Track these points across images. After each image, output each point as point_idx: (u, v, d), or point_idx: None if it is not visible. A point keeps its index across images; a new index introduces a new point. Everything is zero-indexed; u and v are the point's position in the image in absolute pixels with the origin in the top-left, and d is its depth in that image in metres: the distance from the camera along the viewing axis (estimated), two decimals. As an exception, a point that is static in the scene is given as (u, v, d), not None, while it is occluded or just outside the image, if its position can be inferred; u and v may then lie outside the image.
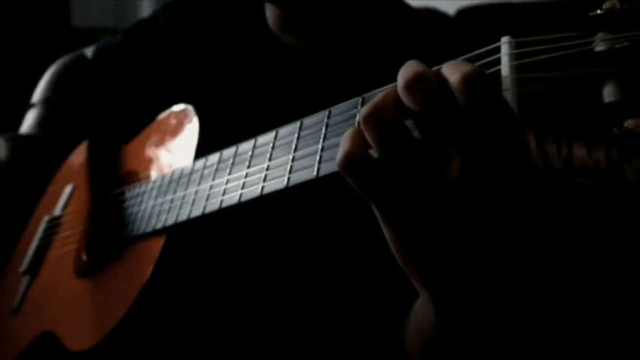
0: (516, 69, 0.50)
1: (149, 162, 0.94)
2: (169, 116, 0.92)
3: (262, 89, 0.86)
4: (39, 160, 0.89)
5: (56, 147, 0.92)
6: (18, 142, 0.87)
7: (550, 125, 0.49)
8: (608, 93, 0.46)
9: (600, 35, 0.47)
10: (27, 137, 0.90)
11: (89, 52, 1.09)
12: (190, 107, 0.87)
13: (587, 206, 0.85)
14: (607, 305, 0.89)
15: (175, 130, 0.89)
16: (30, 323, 1.01)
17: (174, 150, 0.88)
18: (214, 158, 0.78)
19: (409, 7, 0.90)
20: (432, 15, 0.93)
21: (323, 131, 0.62)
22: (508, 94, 0.50)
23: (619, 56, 0.46)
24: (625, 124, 0.46)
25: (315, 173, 0.61)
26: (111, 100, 1.02)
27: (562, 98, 0.47)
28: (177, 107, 0.90)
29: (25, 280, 1.06)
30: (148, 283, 0.80)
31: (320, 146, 0.62)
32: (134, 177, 0.95)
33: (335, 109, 0.62)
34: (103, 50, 1.06)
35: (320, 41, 0.85)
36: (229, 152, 0.76)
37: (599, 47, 0.47)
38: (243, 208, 0.71)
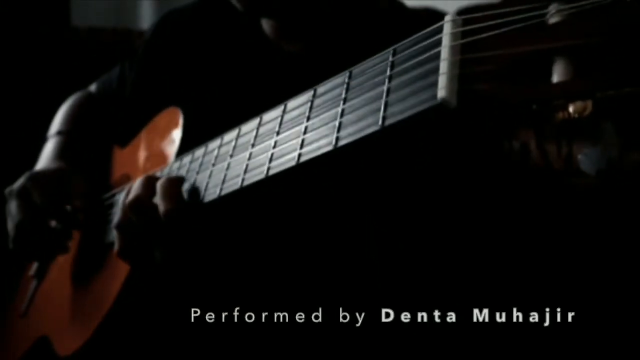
0: (460, 49, 0.46)
1: (140, 163, 0.94)
2: (159, 119, 0.92)
3: (259, 94, 0.86)
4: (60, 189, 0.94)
5: (73, 174, 0.96)
6: (41, 180, 0.93)
7: (496, 111, 0.44)
8: (558, 72, 0.42)
9: (554, 6, 0.43)
10: (47, 172, 0.95)
11: (93, 87, 1.16)
12: (177, 109, 0.87)
13: (587, 206, 0.85)
14: (607, 305, 0.89)
15: (162, 133, 0.89)
16: (32, 327, 1.02)
17: (160, 152, 0.88)
18: (187, 158, 0.78)
19: (407, 8, 0.90)
20: (432, 15, 0.93)
21: (307, 113, 0.61)
22: (444, 79, 0.45)
23: (570, 28, 0.41)
24: (571, 108, 0.41)
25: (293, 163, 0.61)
26: (117, 123, 1.07)
27: (512, 78, 0.43)
28: (166, 110, 0.90)
29: (33, 284, 1.06)
30: (124, 287, 0.80)
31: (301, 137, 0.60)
32: (128, 179, 0.95)
33: (320, 87, 0.61)
34: (104, 85, 1.13)
35: (317, 48, 0.85)
36: (200, 151, 0.75)
37: (553, 19, 0.42)
38: (210, 210, 0.71)
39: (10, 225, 0.91)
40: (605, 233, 0.89)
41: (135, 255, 0.74)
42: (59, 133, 1.07)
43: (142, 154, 0.95)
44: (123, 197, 0.75)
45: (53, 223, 0.92)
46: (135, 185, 0.73)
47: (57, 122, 1.11)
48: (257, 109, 0.71)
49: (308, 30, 0.85)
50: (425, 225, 0.80)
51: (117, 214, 0.75)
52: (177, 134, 0.84)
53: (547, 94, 0.42)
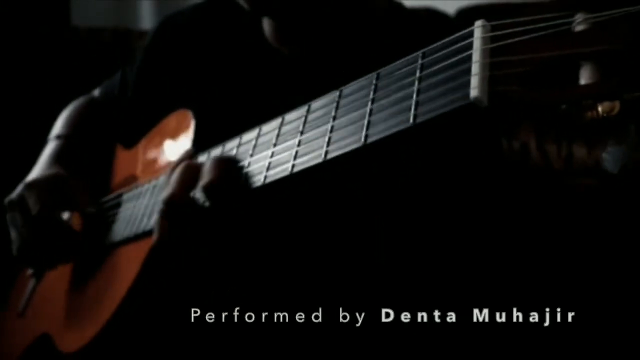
0: (490, 53, 0.48)
1: (147, 165, 0.94)
2: (168, 120, 0.92)
3: (261, 97, 0.86)
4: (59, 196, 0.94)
5: (69, 178, 0.95)
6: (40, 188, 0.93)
7: (526, 111, 0.46)
8: (585, 75, 0.44)
9: (579, 15, 0.45)
10: (43, 180, 0.95)
11: (96, 92, 1.16)
12: (187, 111, 0.87)
13: (587, 206, 0.85)
14: (607, 305, 0.89)
15: (172, 134, 0.90)
16: (31, 325, 1.02)
17: (170, 154, 0.89)
18: (202, 157, 0.77)
19: (406, 9, 0.90)
20: (432, 15, 0.93)
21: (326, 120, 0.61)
22: (476, 79, 0.47)
23: (597, 35, 0.44)
24: (600, 108, 0.43)
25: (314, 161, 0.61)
26: (119, 127, 1.07)
27: (539, 81, 0.45)
28: (176, 112, 0.91)
29: (31, 283, 1.06)
30: (134, 285, 0.80)
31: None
32: (134, 180, 0.96)
33: (346, 88, 0.62)
34: (106, 90, 1.13)
35: (316, 50, 0.85)
36: (216, 150, 0.75)
37: (578, 27, 0.45)
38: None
39: (13, 235, 0.92)
40: (605, 233, 0.89)
41: (173, 241, 0.73)
42: (59, 137, 1.08)
43: (149, 155, 0.95)
44: (180, 171, 0.71)
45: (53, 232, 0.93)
46: (174, 178, 0.71)
47: (57, 125, 1.12)
48: (259, 111, 0.71)
49: (307, 32, 0.85)
50: (425, 225, 0.80)
51: (168, 188, 0.71)
52: (188, 136, 0.85)
53: (575, 95, 0.44)
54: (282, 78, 0.86)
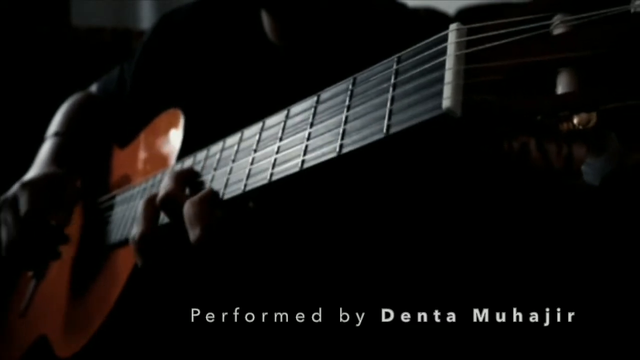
0: (465, 59, 0.45)
1: (140, 165, 0.94)
2: (159, 120, 0.92)
3: (259, 95, 0.86)
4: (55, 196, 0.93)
5: (65, 177, 0.95)
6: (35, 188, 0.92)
7: (500, 121, 0.44)
8: (562, 83, 0.41)
9: (558, 17, 0.42)
10: (38, 180, 0.94)
11: (93, 87, 1.16)
12: (177, 110, 0.87)
13: (586, 206, 0.85)
14: (607, 305, 0.89)
15: (163, 134, 0.89)
16: (31, 326, 1.02)
17: (161, 153, 0.88)
18: (189, 161, 0.77)
19: (406, 9, 0.90)
20: (432, 15, 0.93)
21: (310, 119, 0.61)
22: (449, 88, 0.45)
23: (575, 40, 0.41)
24: (576, 120, 0.41)
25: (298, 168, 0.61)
26: (116, 124, 1.07)
27: (515, 88, 0.43)
28: (167, 111, 0.90)
29: (32, 283, 1.06)
30: (124, 290, 0.80)
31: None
32: (127, 180, 0.95)
33: (324, 93, 0.61)
34: (104, 86, 1.13)
35: (316, 48, 0.85)
36: (201, 154, 0.75)
37: (557, 30, 0.42)
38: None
39: (4, 234, 0.92)
40: (605, 233, 0.89)
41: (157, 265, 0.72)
42: (57, 134, 1.07)
43: (142, 155, 0.95)
44: (142, 206, 0.71)
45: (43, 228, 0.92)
46: (165, 183, 0.70)
47: (55, 122, 1.11)
48: (256, 110, 0.71)
49: (306, 26, 0.85)
50: (425, 225, 0.80)
51: (137, 225, 0.71)
52: (178, 136, 0.84)
53: (551, 105, 0.42)
54: (281, 74, 0.86)
